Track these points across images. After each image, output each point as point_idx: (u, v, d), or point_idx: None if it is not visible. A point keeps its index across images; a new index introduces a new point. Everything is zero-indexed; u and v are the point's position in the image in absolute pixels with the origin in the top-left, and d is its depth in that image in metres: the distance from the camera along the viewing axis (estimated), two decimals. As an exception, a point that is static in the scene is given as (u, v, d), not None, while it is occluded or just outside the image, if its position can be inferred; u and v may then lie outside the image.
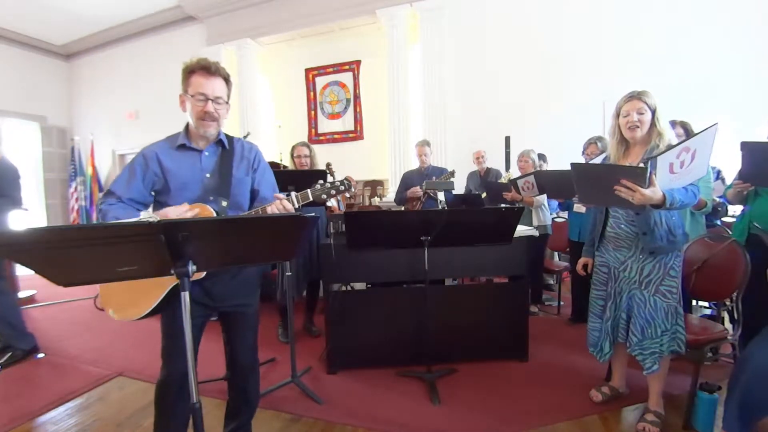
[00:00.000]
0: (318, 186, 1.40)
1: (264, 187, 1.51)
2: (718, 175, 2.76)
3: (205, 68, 1.34)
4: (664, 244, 1.69)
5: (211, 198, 1.38)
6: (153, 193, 1.41)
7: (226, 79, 1.39)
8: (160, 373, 1.39)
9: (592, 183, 1.69)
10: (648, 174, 1.46)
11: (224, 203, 1.37)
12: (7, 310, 2.70)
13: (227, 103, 1.40)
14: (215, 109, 1.35)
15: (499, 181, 3.93)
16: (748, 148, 1.95)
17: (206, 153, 1.42)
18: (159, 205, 1.40)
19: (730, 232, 2.47)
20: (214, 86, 1.34)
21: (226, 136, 1.47)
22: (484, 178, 4.00)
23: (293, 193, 1.39)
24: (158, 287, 1.25)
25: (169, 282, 1.23)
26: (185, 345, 1.31)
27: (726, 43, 4.15)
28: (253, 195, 1.50)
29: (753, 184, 2.04)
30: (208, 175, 1.41)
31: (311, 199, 1.39)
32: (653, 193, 1.48)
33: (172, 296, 1.25)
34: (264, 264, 3.66)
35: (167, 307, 1.29)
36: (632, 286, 1.78)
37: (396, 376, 2.33)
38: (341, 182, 1.42)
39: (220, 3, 6.18)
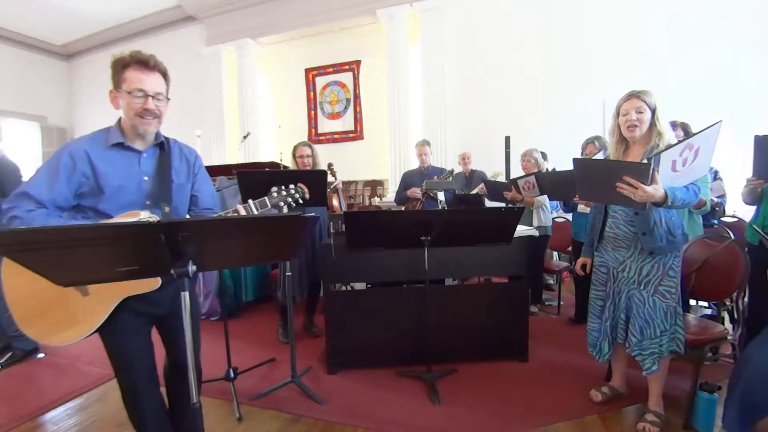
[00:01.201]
0: (274, 194, 1.44)
1: (204, 195, 1.45)
2: (716, 176, 2.76)
3: (142, 62, 1.23)
4: (663, 244, 1.69)
5: (148, 203, 1.29)
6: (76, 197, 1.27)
7: (164, 74, 1.29)
8: (121, 391, 1.33)
9: (594, 179, 1.67)
10: (651, 171, 1.45)
11: (167, 209, 1.30)
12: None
13: (168, 98, 1.31)
14: (156, 105, 1.25)
15: (489, 177, 3.96)
16: (760, 142, 1.92)
17: (145, 154, 1.32)
18: (83, 210, 1.26)
19: (730, 232, 2.47)
20: (153, 82, 1.24)
21: (164, 137, 1.38)
22: (469, 179, 4.05)
23: (251, 201, 1.43)
24: (99, 304, 1.21)
25: (111, 299, 1.20)
26: (136, 358, 1.29)
27: (726, 44, 4.15)
28: (192, 201, 1.43)
29: (766, 180, 2.00)
30: (146, 179, 1.30)
31: (269, 206, 1.42)
32: (655, 190, 1.47)
33: (113, 312, 1.22)
34: (264, 264, 3.68)
35: (107, 325, 1.24)
36: (631, 286, 1.77)
37: (396, 376, 2.33)
38: (295, 189, 1.48)
39: (220, 3, 6.19)
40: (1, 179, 2.60)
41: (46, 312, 1.20)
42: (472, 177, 4.06)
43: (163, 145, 1.36)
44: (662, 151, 1.52)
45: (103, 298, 1.21)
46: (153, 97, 1.24)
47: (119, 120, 1.31)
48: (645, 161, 1.51)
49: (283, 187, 1.48)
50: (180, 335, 1.38)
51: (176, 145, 1.41)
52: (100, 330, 1.25)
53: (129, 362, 1.30)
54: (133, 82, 1.22)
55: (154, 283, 1.22)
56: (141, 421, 1.36)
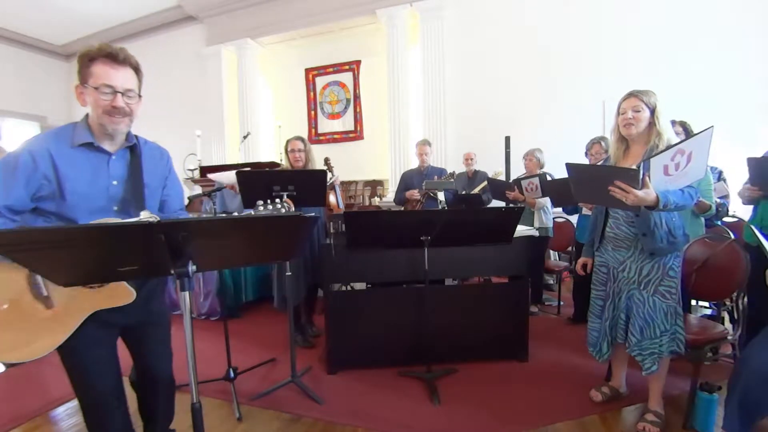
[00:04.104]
0: (261, 209, 1.39)
1: (173, 199, 1.37)
2: (720, 176, 2.76)
3: (111, 56, 1.12)
4: (664, 245, 1.69)
5: (116, 208, 1.20)
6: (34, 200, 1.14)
7: (136, 69, 1.19)
8: (83, 410, 1.26)
9: (588, 183, 1.72)
10: (641, 176, 1.48)
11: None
12: None
13: (139, 96, 1.20)
14: (126, 103, 1.15)
15: (491, 177, 3.96)
16: (753, 163, 2.02)
17: (114, 157, 1.21)
18: (44, 213, 1.14)
19: (731, 233, 2.47)
20: (123, 77, 1.14)
21: (135, 137, 1.28)
22: (472, 179, 4.06)
23: (235, 215, 1.41)
24: (68, 317, 1.12)
25: (81, 311, 1.13)
26: (102, 371, 1.22)
27: (726, 44, 4.15)
28: (160, 206, 1.35)
29: (762, 191, 2.08)
30: (114, 183, 1.20)
31: None
32: (646, 194, 1.49)
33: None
34: (264, 264, 3.68)
35: (68, 339, 1.14)
36: (631, 286, 1.77)
37: (396, 376, 2.33)
38: (281, 205, 1.42)
39: (220, 3, 6.18)
40: None
41: (3, 325, 1.07)
42: (476, 177, 4.05)
43: (134, 147, 1.26)
44: (652, 156, 1.54)
45: (73, 311, 1.12)
46: (122, 93, 1.14)
47: (86, 117, 1.19)
48: (635, 167, 1.54)
49: (269, 201, 1.42)
50: (151, 344, 1.37)
51: (147, 146, 1.31)
52: (58, 349, 1.14)
53: (94, 376, 1.21)
54: (100, 77, 1.12)
55: (128, 297, 1.15)
56: None
